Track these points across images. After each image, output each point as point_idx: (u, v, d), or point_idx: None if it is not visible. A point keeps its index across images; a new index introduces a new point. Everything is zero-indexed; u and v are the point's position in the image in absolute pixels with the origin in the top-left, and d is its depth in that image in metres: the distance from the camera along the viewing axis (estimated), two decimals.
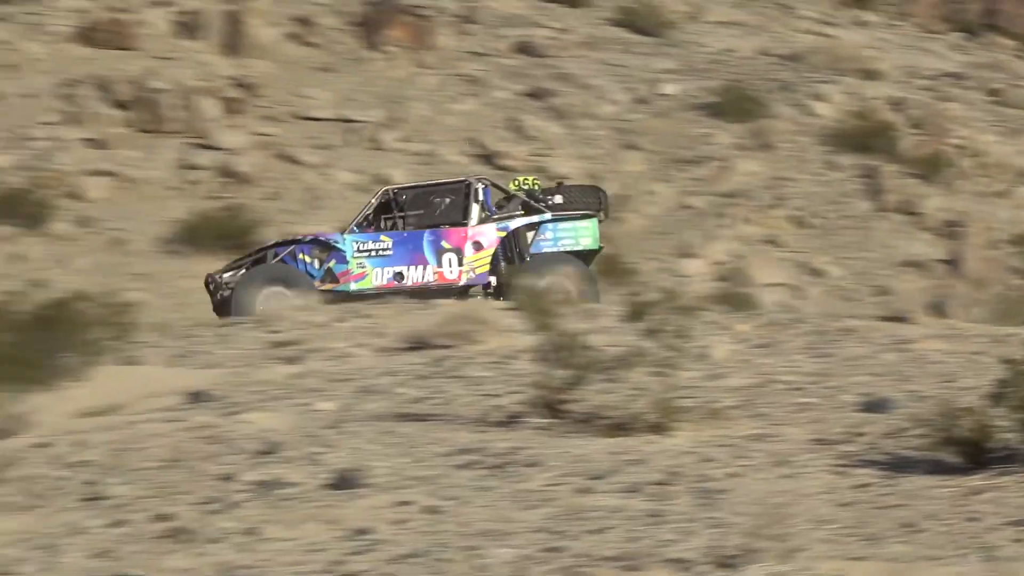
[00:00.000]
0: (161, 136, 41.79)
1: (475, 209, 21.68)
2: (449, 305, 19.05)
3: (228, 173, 41.26)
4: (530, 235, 21.68)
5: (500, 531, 9.75)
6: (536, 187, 22.16)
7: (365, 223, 21.92)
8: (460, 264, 21.48)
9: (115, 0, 44.61)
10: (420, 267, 21.47)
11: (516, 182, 22.53)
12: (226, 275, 21.86)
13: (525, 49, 47.04)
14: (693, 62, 47.73)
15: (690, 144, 44.07)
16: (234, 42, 44.20)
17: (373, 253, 21.49)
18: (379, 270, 21.47)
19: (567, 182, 24.15)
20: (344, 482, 10.74)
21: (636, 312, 12.59)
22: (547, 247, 21.63)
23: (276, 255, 21.83)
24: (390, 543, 9.54)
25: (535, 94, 45.19)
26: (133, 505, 10.51)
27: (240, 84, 43.18)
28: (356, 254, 21.51)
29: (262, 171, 41.55)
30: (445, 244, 21.53)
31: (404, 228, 21.70)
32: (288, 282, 21.25)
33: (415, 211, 21.80)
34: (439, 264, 21.50)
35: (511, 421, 12.75)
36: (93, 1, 44.61)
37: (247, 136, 42.27)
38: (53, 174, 40.05)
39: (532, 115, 44.25)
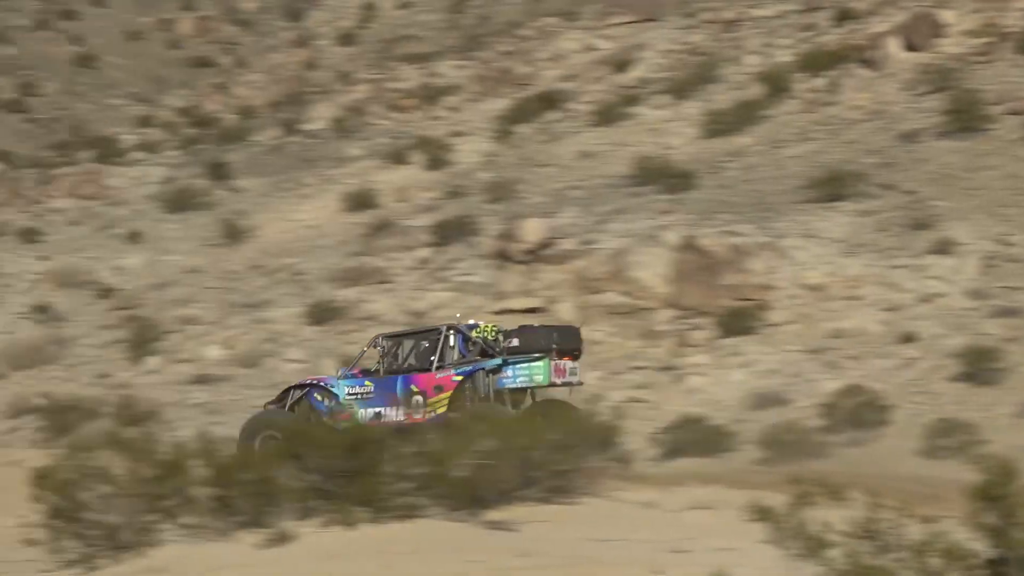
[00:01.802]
0: None
1: (446, 354, 21.21)
2: None
3: None
4: (491, 376, 21.00)
5: None
6: (494, 333, 21.40)
7: (358, 367, 21.77)
8: (424, 405, 20.96)
9: None
10: (394, 408, 21.08)
11: (477, 330, 21.61)
12: (271, 407, 22.00)
13: None
14: None
15: None
16: None
17: (360, 396, 21.29)
18: (364, 410, 21.17)
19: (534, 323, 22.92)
20: None
21: None
22: (508, 383, 20.89)
23: (301, 391, 21.74)
24: None
25: None
26: None
27: None
28: (347, 397, 21.38)
29: None
30: (413, 387, 21.04)
31: (384, 373, 21.39)
32: (279, 427, 20.72)
33: (396, 356, 21.52)
34: (408, 406, 21.06)
35: None
36: None
37: None
38: None
39: None
